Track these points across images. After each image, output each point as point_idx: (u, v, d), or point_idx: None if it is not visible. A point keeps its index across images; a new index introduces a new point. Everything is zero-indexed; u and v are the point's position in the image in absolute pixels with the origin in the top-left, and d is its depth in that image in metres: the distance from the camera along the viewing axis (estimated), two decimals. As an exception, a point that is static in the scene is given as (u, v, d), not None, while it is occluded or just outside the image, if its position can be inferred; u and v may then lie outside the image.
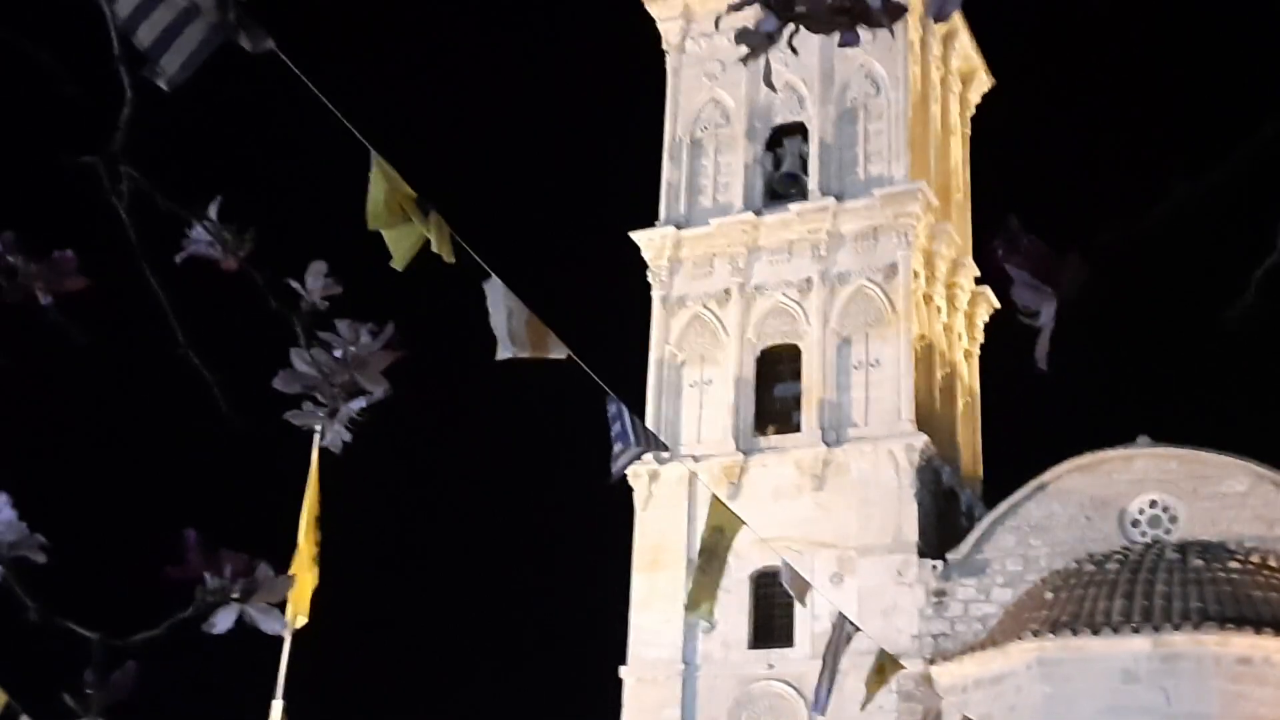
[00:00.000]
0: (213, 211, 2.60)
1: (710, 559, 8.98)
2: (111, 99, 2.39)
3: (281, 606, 2.36)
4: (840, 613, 11.81)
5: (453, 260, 5.75)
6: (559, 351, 7.15)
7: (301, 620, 24.14)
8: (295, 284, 2.67)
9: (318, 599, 24.39)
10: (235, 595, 2.19)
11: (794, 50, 1.62)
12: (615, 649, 25.91)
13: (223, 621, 2.19)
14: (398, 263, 5.72)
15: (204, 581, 2.17)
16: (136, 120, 2.44)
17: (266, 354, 2.75)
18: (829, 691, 11.64)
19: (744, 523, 9.18)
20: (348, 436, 2.76)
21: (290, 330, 2.66)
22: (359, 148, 5.51)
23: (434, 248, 5.67)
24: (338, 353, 2.69)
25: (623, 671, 25.66)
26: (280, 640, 25.60)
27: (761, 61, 1.86)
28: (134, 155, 2.43)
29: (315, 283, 2.72)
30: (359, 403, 2.72)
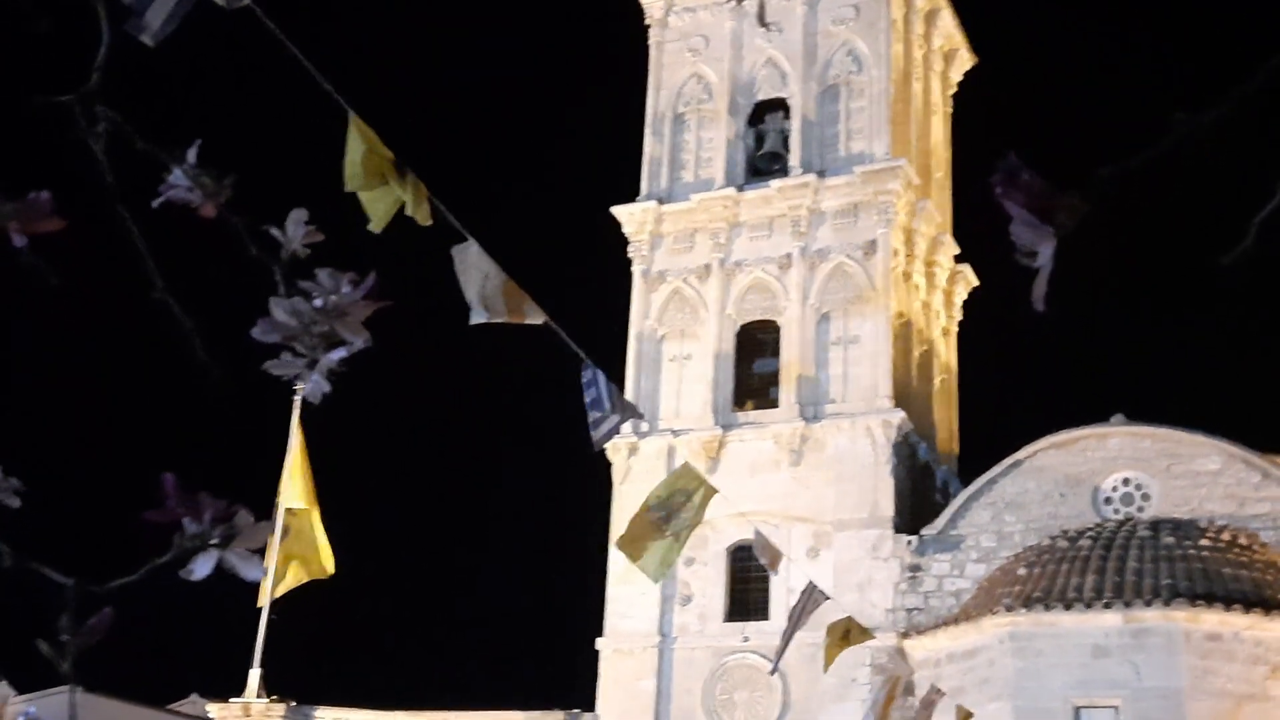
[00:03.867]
0: (191, 156, 2.55)
1: (668, 515, 8.88)
2: (88, 38, 2.35)
3: (261, 554, 2.33)
4: (810, 581, 11.85)
5: (429, 223, 5.70)
6: (536, 317, 7.08)
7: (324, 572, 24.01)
8: (275, 231, 2.63)
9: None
10: (214, 541, 2.16)
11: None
12: (593, 621, 26.02)
13: (201, 568, 2.17)
14: (375, 226, 5.67)
15: (183, 527, 2.14)
16: (114, 61, 2.39)
17: (245, 302, 2.71)
18: (782, 651, 11.69)
19: (715, 490, 9.14)
20: (327, 387, 2.73)
21: (270, 278, 2.62)
22: (338, 107, 5.45)
23: (409, 211, 5.61)
24: (318, 302, 2.65)
25: (599, 643, 25.75)
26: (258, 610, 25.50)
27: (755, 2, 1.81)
28: (111, 97, 2.39)
29: (296, 230, 2.68)
30: (339, 353, 2.68)
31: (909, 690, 20.78)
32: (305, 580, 24.90)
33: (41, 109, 2.31)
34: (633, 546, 9.03)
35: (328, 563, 24.35)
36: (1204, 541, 21.58)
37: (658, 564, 8.99)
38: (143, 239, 2.43)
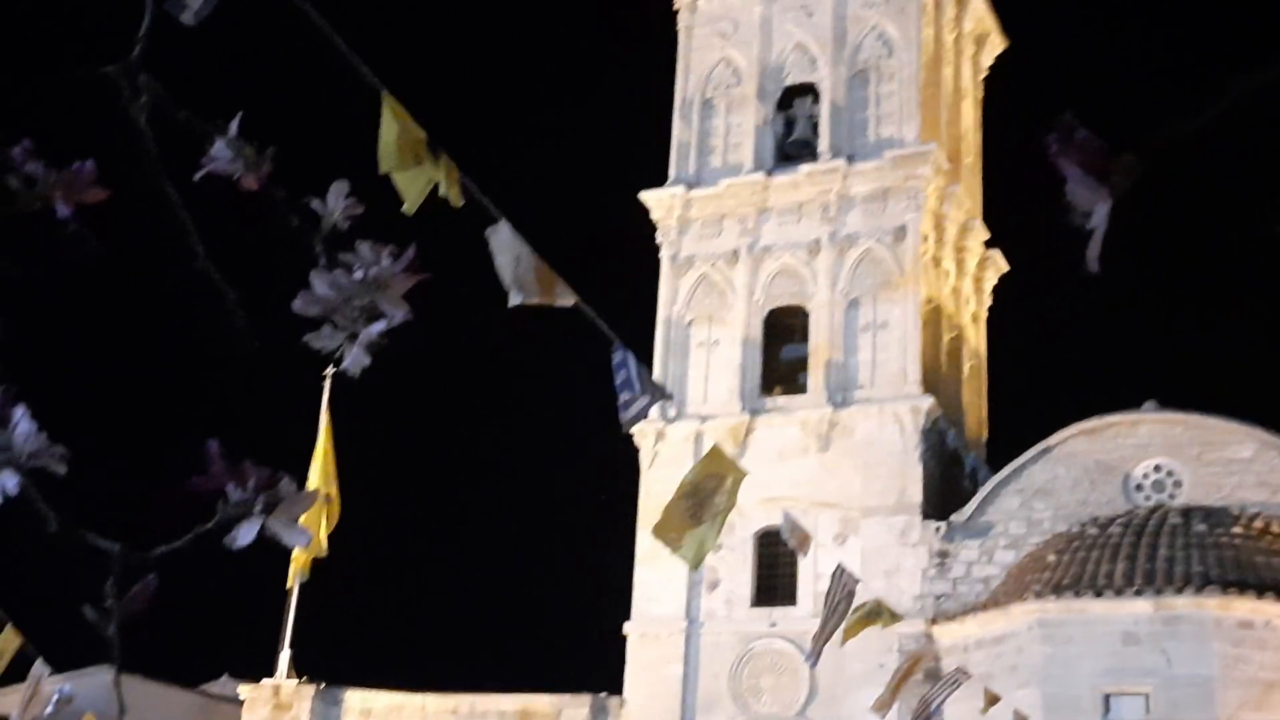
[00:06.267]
0: (233, 128, 2.56)
1: (701, 501, 8.85)
2: (131, 8, 2.36)
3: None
4: (840, 564, 11.80)
5: (461, 204, 5.70)
6: (567, 299, 7.07)
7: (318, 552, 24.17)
8: (316, 203, 2.63)
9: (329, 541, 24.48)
10: (258, 509, 2.17)
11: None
12: (620, 605, 26.08)
13: (245, 535, 2.17)
14: (409, 207, 5.68)
15: (226, 494, 2.16)
16: (157, 32, 2.40)
17: (286, 274, 2.72)
18: (824, 642, 11.51)
19: (744, 472, 9.12)
20: (367, 361, 2.73)
21: (310, 251, 2.63)
22: (372, 86, 5.46)
23: (442, 191, 5.62)
24: (358, 275, 2.65)
25: (627, 628, 25.81)
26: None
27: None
28: (154, 68, 2.40)
29: (336, 203, 2.69)
30: (379, 326, 2.68)
31: (932, 675, 20.74)
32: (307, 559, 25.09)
33: (86, 80, 2.32)
34: (670, 535, 9.01)
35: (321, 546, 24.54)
36: (1236, 529, 21.42)
37: (696, 551, 8.97)
38: (185, 210, 2.44)
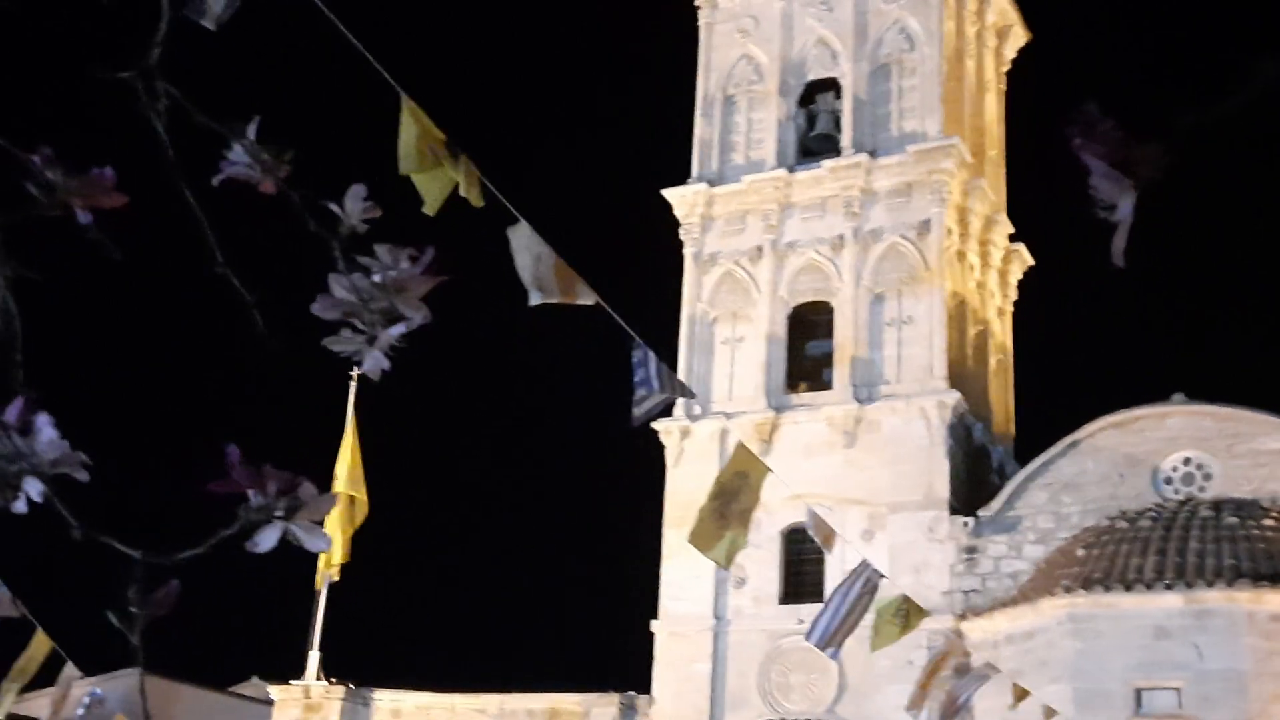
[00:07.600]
0: (251, 132, 2.56)
1: (729, 501, 8.85)
2: (149, 12, 2.36)
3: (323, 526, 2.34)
4: (864, 559, 11.73)
5: (481, 204, 5.70)
6: (588, 298, 7.08)
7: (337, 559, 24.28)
8: (334, 207, 2.63)
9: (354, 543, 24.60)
10: (279, 513, 2.17)
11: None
12: (647, 604, 26.07)
13: (266, 540, 2.17)
14: (429, 208, 5.69)
15: (248, 499, 2.16)
16: (174, 36, 2.40)
17: (305, 278, 2.72)
18: (830, 630, 11.27)
19: (769, 469, 9.09)
20: (386, 364, 2.72)
21: (329, 254, 2.62)
22: (391, 89, 5.46)
23: (462, 191, 5.62)
24: (377, 278, 2.65)
25: (654, 626, 25.80)
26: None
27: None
28: (171, 73, 2.40)
29: (354, 206, 2.68)
30: (398, 329, 2.68)
31: (962, 670, 20.60)
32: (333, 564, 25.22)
33: (103, 85, 2.32)
34: (706, 541, 9.02)
35: (338, 552, 24.67)
36: (1267, 521, 21.23)
37: (726, 551, 8.97)
38: (204, 214, 2.44)
